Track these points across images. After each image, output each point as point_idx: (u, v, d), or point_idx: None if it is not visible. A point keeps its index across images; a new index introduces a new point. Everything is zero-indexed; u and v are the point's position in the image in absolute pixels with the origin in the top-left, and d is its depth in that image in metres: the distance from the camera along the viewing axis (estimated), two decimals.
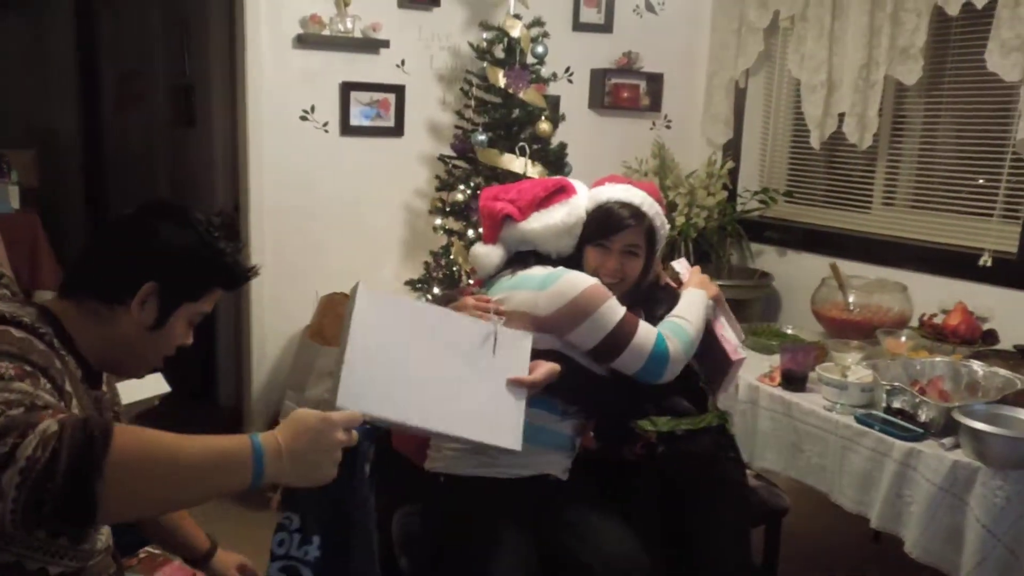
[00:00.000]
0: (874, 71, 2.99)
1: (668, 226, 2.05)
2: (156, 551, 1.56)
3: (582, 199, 1.91)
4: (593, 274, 1.87)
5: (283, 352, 3.20)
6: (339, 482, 1.08)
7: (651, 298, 1.96)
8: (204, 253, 1.20)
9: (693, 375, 1.92)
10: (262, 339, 3.17)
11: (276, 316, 3.16)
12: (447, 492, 1.74)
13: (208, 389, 3.99)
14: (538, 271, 1.82)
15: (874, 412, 2.10)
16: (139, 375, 1.28)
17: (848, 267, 2.95)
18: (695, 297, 1.93)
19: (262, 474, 0.98)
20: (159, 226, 1.19)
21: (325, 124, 3.11)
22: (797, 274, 3.40)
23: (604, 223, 1.91)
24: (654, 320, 1.86)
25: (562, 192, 1.89)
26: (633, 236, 1.90)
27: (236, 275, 1.25)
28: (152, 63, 4.86)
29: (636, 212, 1.89)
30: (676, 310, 1.88)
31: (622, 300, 1.81)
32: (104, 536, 1.24)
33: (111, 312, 1.16)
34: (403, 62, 3.18)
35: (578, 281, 1.76)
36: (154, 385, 2.23)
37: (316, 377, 3.00)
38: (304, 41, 3.00)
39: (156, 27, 4.84)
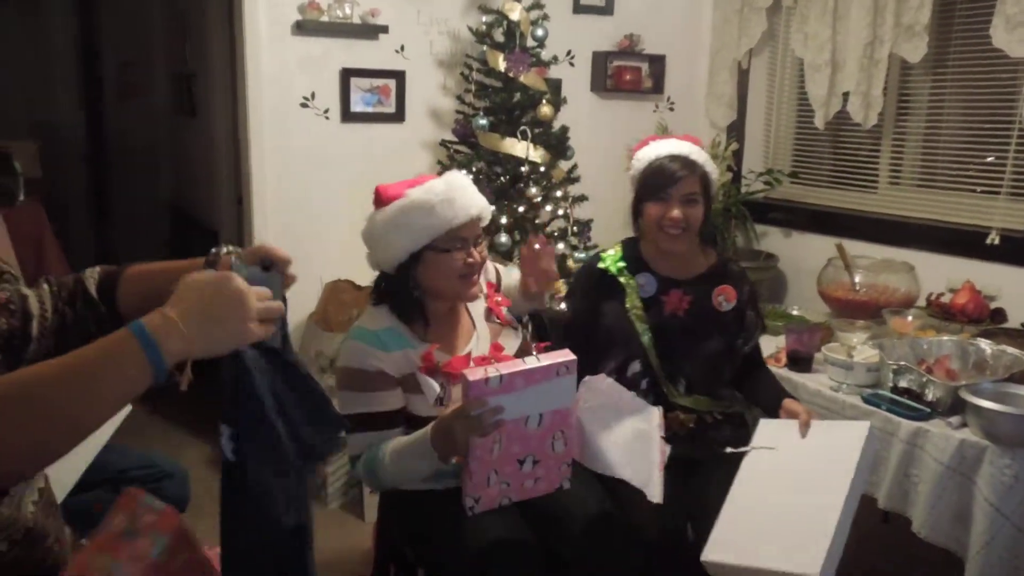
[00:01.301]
0: (878, 49, 2.96)
1: (716, 172, 2.16)
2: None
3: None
4: (656, 227, 2.06)
5: (292, 339, 3.19)
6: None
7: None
8: None
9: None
10: None
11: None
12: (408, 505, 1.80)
13: (216, 376, 4.00)
14: None
15: (881, 392, 2.10)
16: None
17: (854, 247, 2.93)
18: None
19: (157, 348, 0.89)
20: None
21: (326, 111, 3.09)
22: (803, 255, 3.38)
23: (659, 177, 2.06)
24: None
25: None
26: (689, 185, 2.05)
27: None
28: (152, 53, 4.86)
29: (687, 162, 2.06)
30: None
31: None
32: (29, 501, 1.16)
33: None
34: (402, 47, 3.16)
35: None
36: None
37: (321, 363, 3.01)
38: (303, 28, 2.98)
39: (156, 16, 4.83)
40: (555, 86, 3.27)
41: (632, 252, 2.18)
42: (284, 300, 1.12)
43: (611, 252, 2.20)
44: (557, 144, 3.05)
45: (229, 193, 3.70)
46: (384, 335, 1.72)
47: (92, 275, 1.29)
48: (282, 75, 3.00)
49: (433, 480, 1.71)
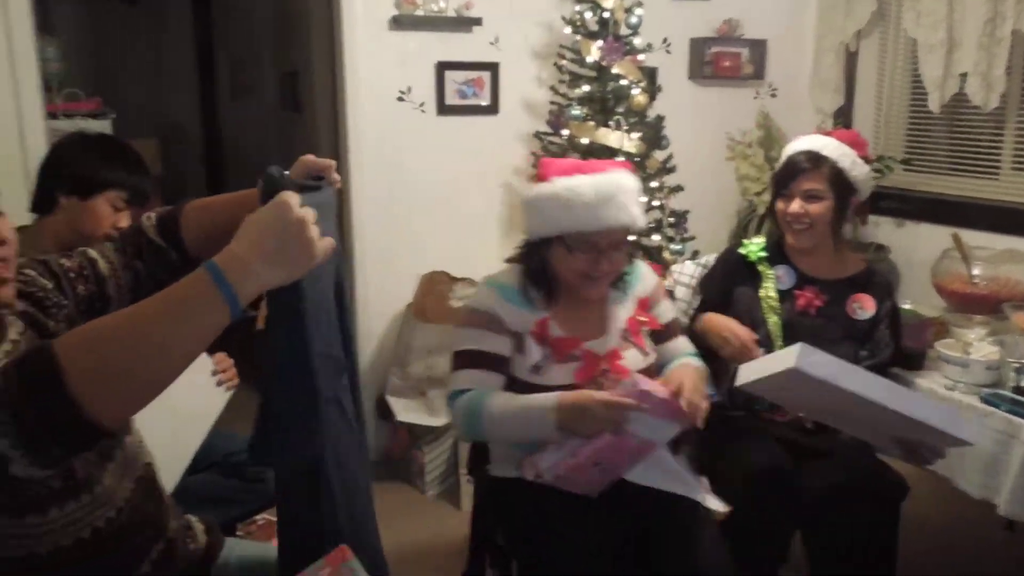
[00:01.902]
0: (1000, 26, 2.77)
1: (867, 169, 2.11)
2: (274, 518, 1.61)
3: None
4: (782, 221, 2.09)
5: (388, 330, 3.27)
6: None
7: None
8: None
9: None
10: (368, 317, 3.24)
11: (380, 295, 3.23)
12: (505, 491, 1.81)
13: None
14: None
15: (1001, 391, 1.97)
16: None
17: (973, 237, 2.75)
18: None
19: (229, 285, 0.90)
20: None
21: (421, 104, 3.14)
22: (916, 246, 3.21)
23: (782, 172, 2.08)
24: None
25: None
26: (811, 181, 2.03)
27: None
28: (261, 52, 5.04)
29: (813, 156, 2.04)
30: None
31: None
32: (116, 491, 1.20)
33: None
34: (497, 39, 3.17)
35: None
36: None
37: (417, 353, 3.06)
38: (399, 23, 3.03)
39: (264, 17, 5.01)
40: (650, 74, 3.21)
41: (776, 243, 2.18)
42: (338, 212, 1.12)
43: (756, 240, 2.21)
44: (652, 133, 3.00)
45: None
46: (510, 290, 1.77)
47: (149, 221, 1.32)
48: (379, 70, 3.06)
49: (525, 448, 1.72)
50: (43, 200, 1.90)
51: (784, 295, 2.11)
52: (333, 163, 1.15)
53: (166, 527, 1.28)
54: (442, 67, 3.11)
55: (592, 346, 1.78)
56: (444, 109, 3.16)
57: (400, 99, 3.10)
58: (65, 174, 1.88)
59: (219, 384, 1.97)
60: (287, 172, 1.16)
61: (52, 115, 3.17)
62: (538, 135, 3.13)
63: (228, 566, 1.41)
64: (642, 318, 1.87)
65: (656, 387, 1.63)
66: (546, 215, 1.72)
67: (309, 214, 0.96)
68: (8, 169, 2.62)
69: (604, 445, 1.60)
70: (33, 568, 1.09)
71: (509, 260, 1.87)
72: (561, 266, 1.75)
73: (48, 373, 0.83)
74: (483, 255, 3.25)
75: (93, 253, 1.27)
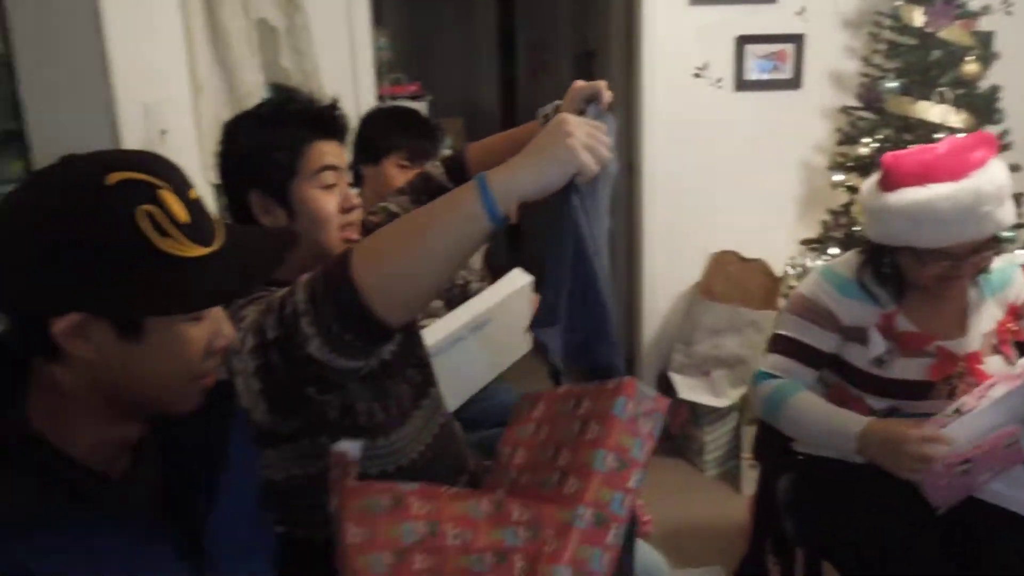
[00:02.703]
0: None
1: None
2: None
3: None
4: None
5: (673, 308, 3.28)
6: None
7: None
8: None
9: None
10: (653, 294, 3.28)
11: (667, 272, 3.24)
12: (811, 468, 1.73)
13: None
14: None
15: None
16: None
17: None
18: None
19: (490, 192, 0.92)
20: None
21: (719, 80, 3.08)
22: None
23: None
24: None
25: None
26: None
27: None
28: (558, 33, 5.23)
29: None
30: None
31: None
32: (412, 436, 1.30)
33: None
34: (803, 9, 3.00)
35: None
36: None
37: (703, 332, 3.04)
38: None
39: None
40: (984, 40, 2.85)
41: None
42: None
43: None
44: (983, 106, 2.68)
45: (621, 162, 3.87)
46: (848, 284, 1.68)
47: (436, 168, 1.44)
48: (677, 46, 3.05)
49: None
50: (354, 174, 2.17)
51: None
52: (603, 83, 1.14)
53: (467, 462, 1.42)
54: (742, 41, 3.03)
55: (947, 345, 1.64)
56: (742, 84, 3.07)
57: (697, 75, 3.07)
58: (360, 147, 2.14)
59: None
60: (559, 103, 1.19)
61: (380, 98, 3.56)
62: (845, 110, 2.93)
63: None
64: (1012, 327, 1.69)
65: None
66: (892, 227, 1.57)
67: (577, 120, 0.96)
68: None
69: (934, 478, 1.48)
70: None
71: (806, 241, 1.78)
72: (911, 272, 1.62)
73: (342, 275, 0.94)
74: (777, 236, 3.14)
75: (392, 206, 1.44)
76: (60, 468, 0.80)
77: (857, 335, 1.66)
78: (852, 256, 1.74)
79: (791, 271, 2.82)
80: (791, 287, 2.88)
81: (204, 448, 0.93)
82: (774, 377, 1.70)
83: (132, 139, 1.33)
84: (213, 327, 0.85)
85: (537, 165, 0.94)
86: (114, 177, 0.77)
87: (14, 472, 0.77)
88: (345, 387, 1.09)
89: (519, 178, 0.94)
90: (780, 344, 1.71)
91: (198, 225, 0.81)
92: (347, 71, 2.95)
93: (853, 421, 1.56)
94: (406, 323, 1.03)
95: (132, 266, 0.77)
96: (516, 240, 6.04)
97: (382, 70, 3.85)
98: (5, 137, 1.53)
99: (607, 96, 1.13)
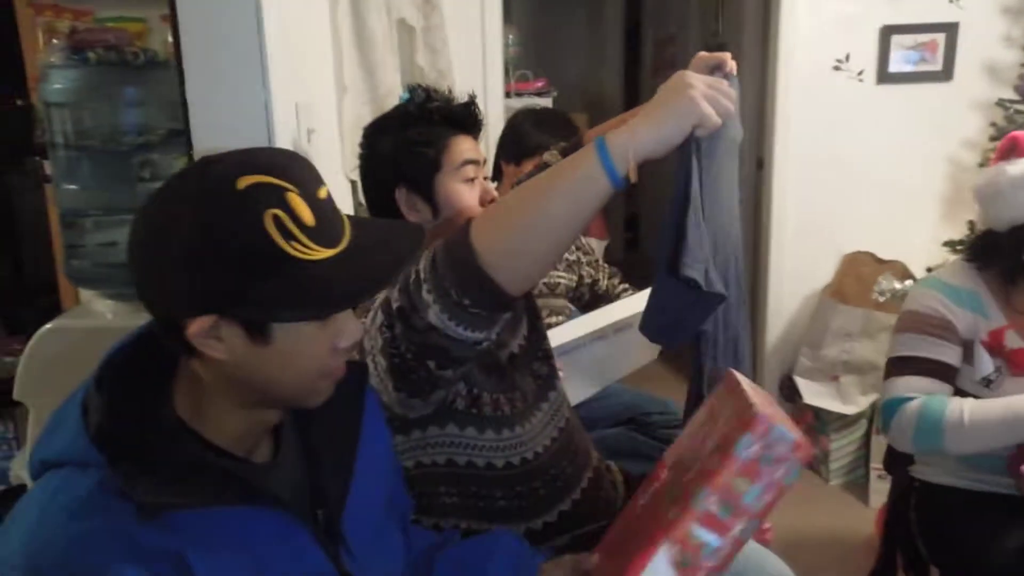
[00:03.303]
0: None
1: None
2: None
3: None
4: None
5: (800, 309, 3.17)
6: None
7: None
8: None
9: None
10: (779, 295, 3.18)
11: (795, 272, 3.14)
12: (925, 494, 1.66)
13: None
14: None
15: None
16: None
17: None
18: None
19: (608, 152, 0.91)
20: None
21: (860, 72, 2.94)
22: None
23: None
24: None
25: None
26: None
27: None
28: (687, 26, 5.13)
29: None
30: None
31: None
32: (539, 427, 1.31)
33: None
34: None
35: None
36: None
37: (832, 336, 2.93)
38: None
39: None
40: None
41: None
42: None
43: None
44: None
45: (750, 157, 3.76)
46: (963, 292, 1.59)
47: (553, 157, 1.45)
48: (815, 37, 2.93)
49: (984, 471, 1.57)
50: (495, 169, 2.21)
51: None
52: (727, 54, 1.10)
53: (591, 457, 1.42)
54: (888, 31, 2.88)
55: None
56: (886, 77, 2.93)
57: (836, 68, 2.94)
58: (505, 144, 2.20)
59: None
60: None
61: (507, 94, 3.60)
62: (1001, 103, 2.74)
63: None
64: None
65: None
66: (1010, 200, 1.50)
67: (697, 74, 0.94)
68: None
69: None
70: (481, 476, 1.27)
71: (969, 259, 1.64)
72: None
73: (463, 241, 0.96)
74: (917, 238, 2.98)
75: None
76: (207, 456, 0.84)
77: (967, 351, 1.56)
78: (958, 264, 1.64)
79: None
80: None
81: (339, 431, 0.96)
82: (910, 399, 1.56)
83: (284, 138, 1.41)
84: (338, 326, 0.85)
85: (657, 118, 0.92)
86: (244, 181, 0.78)
87: (165, 461, 0.80)
88: (466, 365, 1.11)
89: (638, 134, 0.92)
90: (908, 366, 1.57)
91: (325, 227, 0.81)
92: (478, 68, 3.00)
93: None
94: (525, 291, 1.03)
95: (260, 271, 0.78)
96: (634, 238, 5.99)
97: (509, 66, 3.89)
98: (171, 135, 1.66)
99: (731, 65, 1.10)
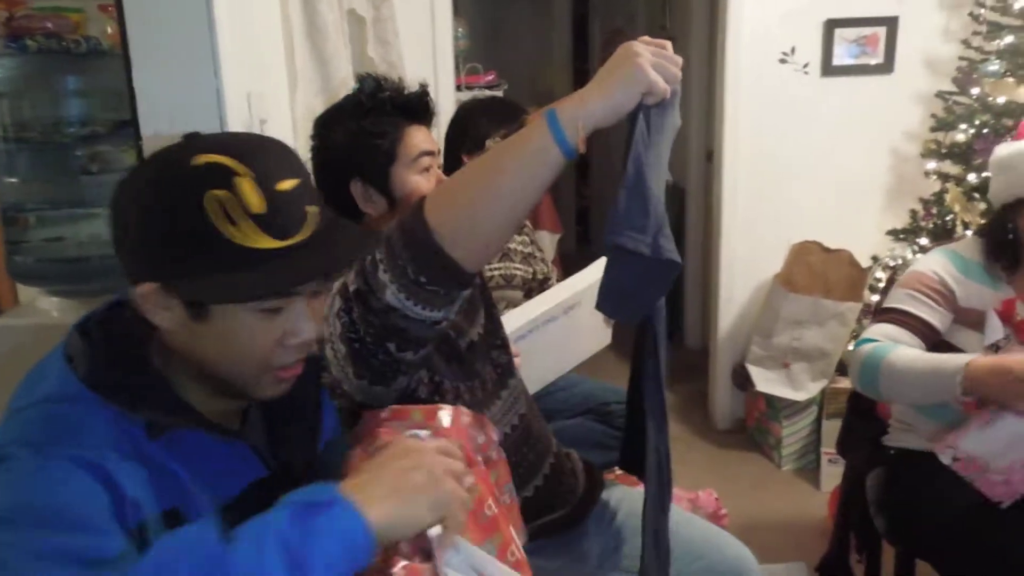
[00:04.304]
0: None
1: None
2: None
3: None
4: None
5: (751, 298, 3.22)
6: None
7: None
8: None
9: None
10: (731, 284, 3.23)
11: (746, 262, 3.19)
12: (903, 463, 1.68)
13: (674, 331, 4.22)
14: None
15: None
16: None
17: None
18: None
19: (558, 122, 0.91)
20: None
21: (805, 65, 3.00)
22: None
23: None
24: None
25: None
26: None
27: None
28: (635, 20, 5.18)
29: None
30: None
31: None
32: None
33: None
34: None
35: None
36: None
37: (783, 324, 2.99)
38: None
39: None
40: None
41: None
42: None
43: None
44: None
45: (699, 149, 3.82)
46: (972, 264, 1.65)
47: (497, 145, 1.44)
48: (762, 31, 2.98)
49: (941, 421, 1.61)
50: (450, 160, 2.18)
51: None
52: (668, 43, 1.07)
53: (551, 444, 1.42)
54: (832, 25, 2.94)
55: None
56: (830, 70, 2.99)
57: (782, 61, 3.00)
58: (457, 135, 2.14)
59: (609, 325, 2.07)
60: None
61: (458, 87, 3.58)
62: (940, 95, 2.83)
63: (607, 508, 1.51)
64: None
65: None
66: (1018, 173, 1.57)
67: (642, 44, 0.95)
68: None
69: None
70: None
71: (978, 234, 1.71)
72: None
73: (417, 218, 0.96)
74: (861, 226, 3.05)
75: None
76: (179, 408, 0.85)
77: (973, 319, 1.61)
78: (972, 239, 1.70)
79: (890, 263, 2.73)
80: (877, 279, 2.80)
81: (299, 422, 0.96)
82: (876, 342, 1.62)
83: (236, 128, 1.38)
84: (289, 322, 0.84)
85: (606, 86, 0.92)
86: (200, 159, 0.79)
87: (150, 404, 0.82)
88: (426, 347, 1.09)
89: (588, 104, 0.92)
90: (887, 315, 1.65)
91: (276, 217, 0.80)
92: (428, 60, 2.97)
93: (956, 358, 1.48)
94: (481, 266, 1.04)
95: (192, 247, 0.78)
96: (585, 231, 6.02)
97: (459, 59, 3.87)
98: (118, 126, 1.61)
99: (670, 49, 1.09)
